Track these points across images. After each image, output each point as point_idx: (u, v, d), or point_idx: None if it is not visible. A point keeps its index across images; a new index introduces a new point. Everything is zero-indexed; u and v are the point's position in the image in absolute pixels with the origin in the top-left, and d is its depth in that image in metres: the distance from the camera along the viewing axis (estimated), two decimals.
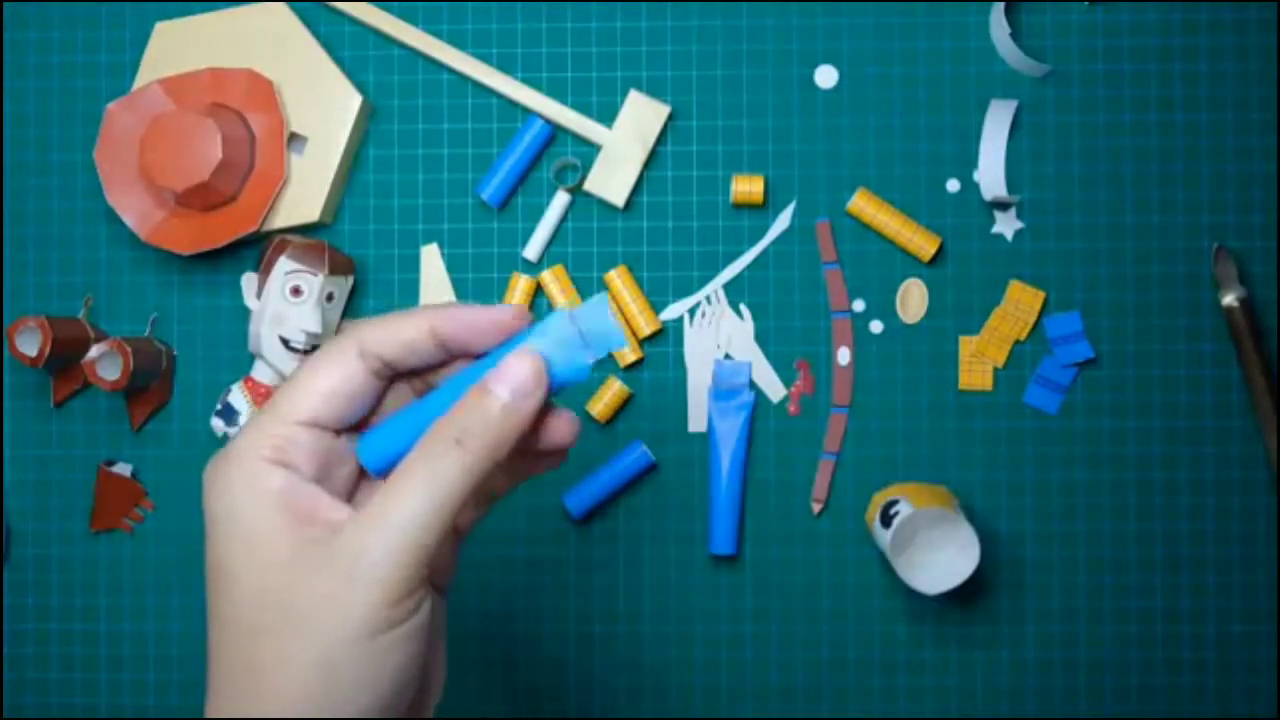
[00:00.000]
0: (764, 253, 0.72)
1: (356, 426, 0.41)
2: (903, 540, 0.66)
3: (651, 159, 0.72)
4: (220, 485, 0.39)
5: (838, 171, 0.72)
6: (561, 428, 0.42)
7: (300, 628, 0.37)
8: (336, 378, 0.40)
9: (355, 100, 0.71)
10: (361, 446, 0.41)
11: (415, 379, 0.43)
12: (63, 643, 0.74)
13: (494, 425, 0.38)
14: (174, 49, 0.72)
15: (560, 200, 0.72)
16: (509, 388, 0.39)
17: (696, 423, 0.72)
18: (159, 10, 0.74)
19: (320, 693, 0.37)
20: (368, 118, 0.73)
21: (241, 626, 0.38)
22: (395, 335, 0.40)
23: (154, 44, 0.72)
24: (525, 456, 0.43)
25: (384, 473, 0.41)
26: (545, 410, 0.41)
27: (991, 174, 0.70)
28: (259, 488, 0.38)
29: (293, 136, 0.71)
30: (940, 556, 0.66)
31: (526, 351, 0.39)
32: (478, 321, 0.40)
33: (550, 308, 0.72)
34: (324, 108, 0.71)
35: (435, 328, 0.40)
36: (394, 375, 0.42)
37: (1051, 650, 0.71)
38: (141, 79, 0.72)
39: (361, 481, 0.42)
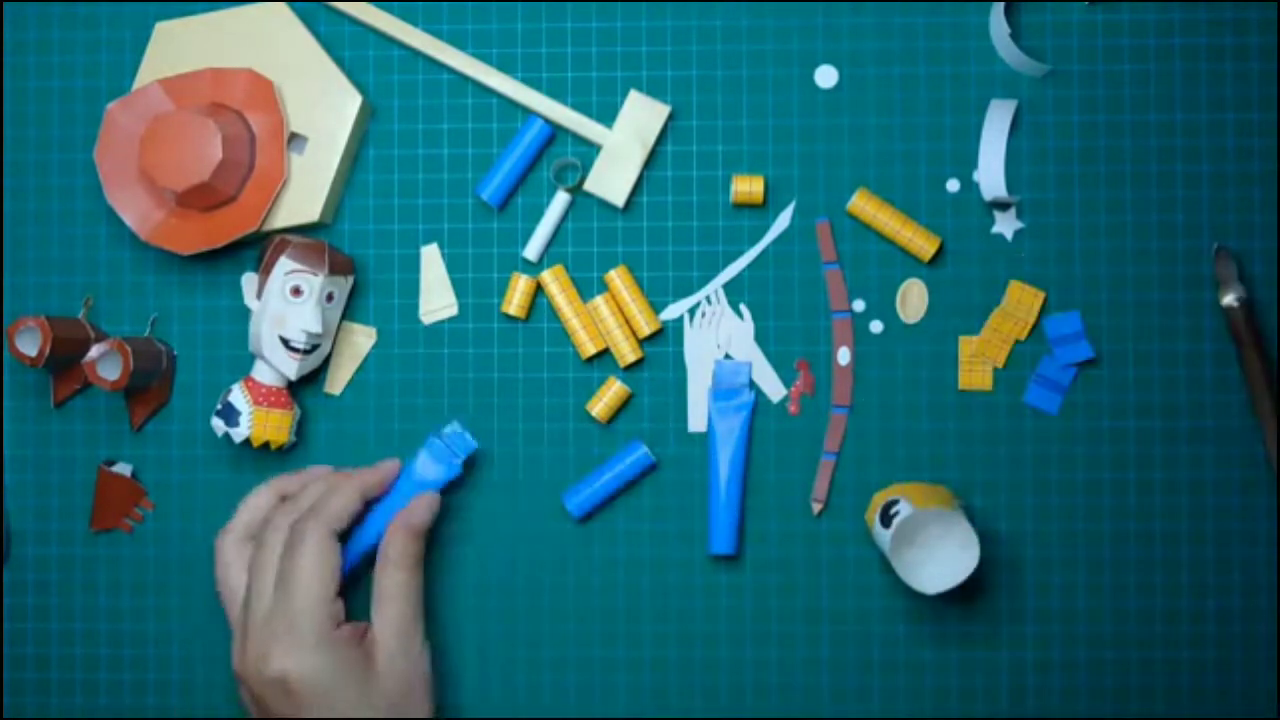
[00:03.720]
0: (764, 253, 0.72)
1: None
2: (903, 540, 0.66)
3: (651, 159, 0.72)
4: (301, 655, 0.62)
5: (838, 171, 0.72)
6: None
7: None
8: (336, 553, 0.65)
9: (355, 100, 0.71)
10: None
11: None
12: (63, 643, 0.74)
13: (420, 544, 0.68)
14: (174, 49, 0.72)
15: (560, 200, 0.72)
16: (424, 518, 0.68)
17: (696, 423, 0.72)
18: (159, 10, 0.74)
19: None
20: (368, 117, 0.73)
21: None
22: (347, 511, 0.66)
23: (154, 44, 0.72)
24: None
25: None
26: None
27: (991, 174, 0.70)
28: (333, 638, 0.64)
29: (293, 136, 0.71)
30: (940, 556, 0.66)
31: (430, 496, 0.69)
32: (384, 480, 0.69)
33: (551, 309, 0.72)
34: (324, 107, 0.71)
35: (364, 492, 0.68)
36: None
37: (1051, 650, 0.71)
38: (142, 79, 0.72)
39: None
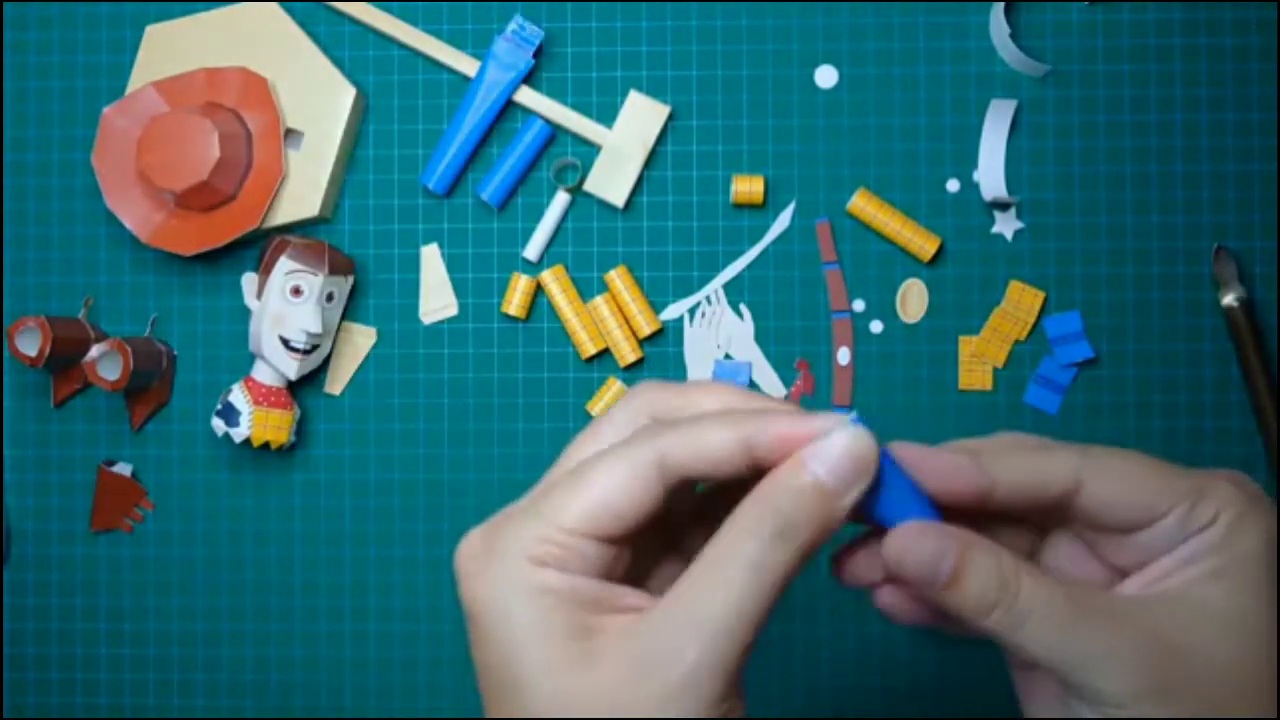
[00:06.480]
0: (764, 253, 0.72)
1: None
2: None
3: (651, 159, 0.72)
4: (488, 585, 0.35)
5: (838, 171, 0.72)
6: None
7: None
8: (629, 494, 0.35)
9: (349, 92, 0.71)
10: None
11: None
12: (63, 643, 0.74)
13: (816, 518, 0.35)
14: (165, 51, 0.72)
15: (560, 200, 0.72)
16: (826, 469, 0.35)
17: None
18: (160, 10, 0.74)
19: None
20: (363, 110, 0.73)
21: None
22: (704, 453, 0.35)
23: (145, 47, 0.72)
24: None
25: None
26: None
27: (991, 174, 0.70)
28: (534, 586, 0.35)
29: (288, 132, 0.71)
30: None
31: (848, 430, 0.36)
32: (799, 440, 0.36)
33: (551, 309, 0.72)
34: (318, 102, 0.71)
35: (750, 445, 0.35)
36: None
37: None
38: (135, 82, 0.72)
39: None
